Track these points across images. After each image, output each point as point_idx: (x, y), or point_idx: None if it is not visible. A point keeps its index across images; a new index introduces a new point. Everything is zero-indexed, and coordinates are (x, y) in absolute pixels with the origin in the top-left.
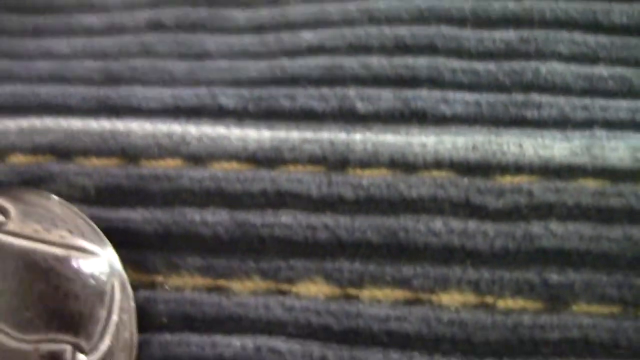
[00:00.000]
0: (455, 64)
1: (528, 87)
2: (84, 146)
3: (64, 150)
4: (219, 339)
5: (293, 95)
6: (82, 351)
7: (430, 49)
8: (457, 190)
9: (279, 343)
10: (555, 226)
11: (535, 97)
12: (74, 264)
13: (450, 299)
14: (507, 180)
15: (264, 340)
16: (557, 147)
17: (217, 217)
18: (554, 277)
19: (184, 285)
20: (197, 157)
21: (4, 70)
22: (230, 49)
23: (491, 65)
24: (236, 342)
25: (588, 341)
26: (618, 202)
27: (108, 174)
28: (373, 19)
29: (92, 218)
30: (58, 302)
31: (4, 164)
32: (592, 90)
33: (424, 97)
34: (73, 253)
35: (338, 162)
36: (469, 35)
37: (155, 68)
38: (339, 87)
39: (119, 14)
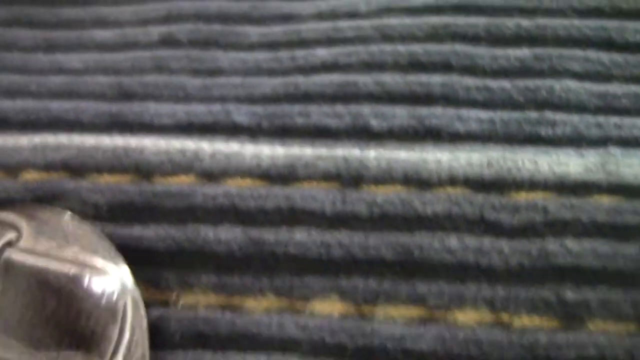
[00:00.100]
0: (470, 81)
1: (542, 104)
2: (96, 163)
3: (76, 167)
4: (233, 357)
5: (307, 112)
6: None
7: (445, 67)
8: (472, 207)
9: None
10: (570, 243)
11: (549, 114)
12: (86, 282)
13: (466, 317)
14: (522, 197)
15: (277, 359)
16: (572, 163)
17: (230, 235)
18: (569, 294)
19: (197, 303)
20: (211, 174)
21: (17, 85)
22: (243, 65)
23: (505, 83)
24: None
25: (604, 359)
26: (633, 218)
27: (121, 190)
28: (387, 37)
29: (104, 235)
30: (70, 320)
31: (16, 180)
32: (606, 108)
33: (438, 115)
34: (85, 271)
35: (352, 178)
36: (483, 53)
37: (168, 84)
38: (353, 105)
39: (132, 29)
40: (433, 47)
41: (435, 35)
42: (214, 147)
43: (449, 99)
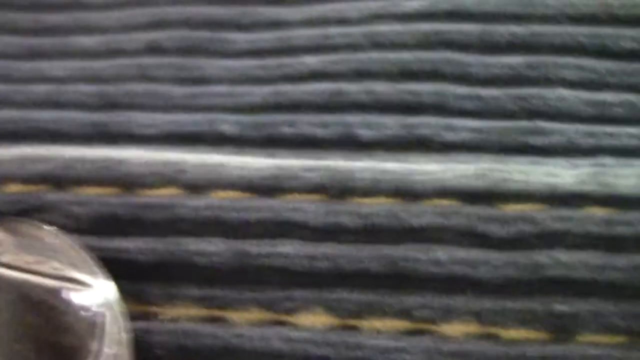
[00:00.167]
0: (461, 90)
1: (534, 113)
2: (78, 175)
3: (58, 179)
4: None
5: (294, 122)
6: None
7: (436, 75)
8: (461, 219)
9: None
10: (561, 255)
11: (542, 124)
12: (66, 296)
13: (453, 329)
14: (513, 209)
15: None
16: (564, 174)
17: (214, 247)
18: (559, 307)
19: (180, 316)
20: (195, 186)
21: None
22: (230, 73)
23: (497, 92)
24: None
25: None
26: (626, 230)
27: (103, 203)
28: (377, 44)
29: (87, 248)
30: (49, 335)
31: None
32: (599, 117)
33: (428, 124)
34: (65, 285)
35: (339, 190)
36: (474, 61)
37: (153, 93)
38: (342, 114)
39: (117, 36)
40: (424, 55)
41: (426, 43)
42: (198, 159)
43: (439, 108)
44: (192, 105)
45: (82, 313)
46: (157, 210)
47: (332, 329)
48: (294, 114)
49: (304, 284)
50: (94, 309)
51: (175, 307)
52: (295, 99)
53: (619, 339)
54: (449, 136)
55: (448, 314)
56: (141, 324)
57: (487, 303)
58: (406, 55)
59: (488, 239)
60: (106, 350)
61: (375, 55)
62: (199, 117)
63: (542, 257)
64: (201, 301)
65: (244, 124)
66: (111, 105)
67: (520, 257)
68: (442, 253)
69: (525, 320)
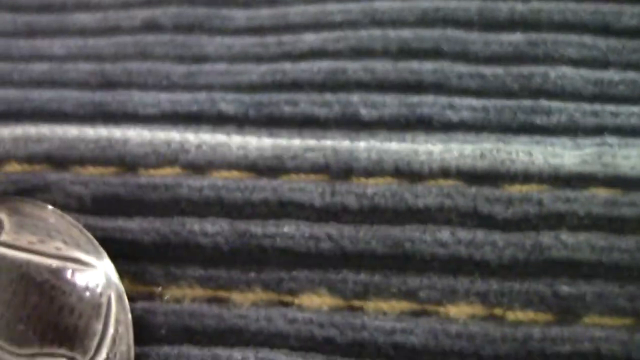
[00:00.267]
0: (462, 68)
1: (537, 92)
2: (80, 155)
3: (59, 159)
4: (220, 351)
5: (295, 100)
6: None
7: (436, 53)
8: (465, 200)
9: (281, 356)
10: (565, 236)
11: (544, 102)
12: (69, 276)
13: (458, 310)
14: (516, 189)
15: (265, 353)
16: (568, 155)
17: (217, 227)
18: (564, 288)
19: (183, 296)
20: (197, 166)
21: None
22: (229, 51)
23: (499, 70)
24: (237, 355)
25: (600, 354)
26: (630, 211)
27: (105, 183)
28: (376, 21)
29: (89, 228)
30: (53, 316)
31: None
32: (602, 95)
33: (429, 103)
34: (68, 265)
35: (341, 170)
36: (475, 39)
37: (152, 71)
38: (343, 93)
39: (115, 13)
40: (424, 32)
41: (426, 20)
42: (199, 138)
43: (440, 87)
44: (191, 83)
45: (86, 293)
46: (159, 190)
47: (337, 310)
48: (295, 92)
49: (307, 265)
50: (98, 289)
51: (178, 288)
52: (295, 77)
53: (625, 320)
54: (451, 115)
55: (453, 295)
56: (145, 305)
57: (492, 284)
58: (406, 33)
59: (492, 219)
60: (110, 330)
61: (374, 32)
62: (199, 96)
63: (546, 238)
64: (205, 282)
65: (245, 103)
66: (111, 84)
67: (525, 238)
68: (446, 234)
69: (531, 301)
